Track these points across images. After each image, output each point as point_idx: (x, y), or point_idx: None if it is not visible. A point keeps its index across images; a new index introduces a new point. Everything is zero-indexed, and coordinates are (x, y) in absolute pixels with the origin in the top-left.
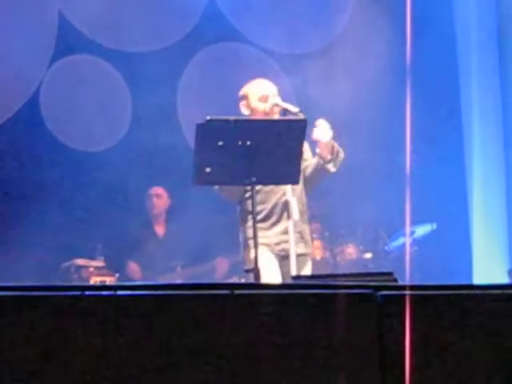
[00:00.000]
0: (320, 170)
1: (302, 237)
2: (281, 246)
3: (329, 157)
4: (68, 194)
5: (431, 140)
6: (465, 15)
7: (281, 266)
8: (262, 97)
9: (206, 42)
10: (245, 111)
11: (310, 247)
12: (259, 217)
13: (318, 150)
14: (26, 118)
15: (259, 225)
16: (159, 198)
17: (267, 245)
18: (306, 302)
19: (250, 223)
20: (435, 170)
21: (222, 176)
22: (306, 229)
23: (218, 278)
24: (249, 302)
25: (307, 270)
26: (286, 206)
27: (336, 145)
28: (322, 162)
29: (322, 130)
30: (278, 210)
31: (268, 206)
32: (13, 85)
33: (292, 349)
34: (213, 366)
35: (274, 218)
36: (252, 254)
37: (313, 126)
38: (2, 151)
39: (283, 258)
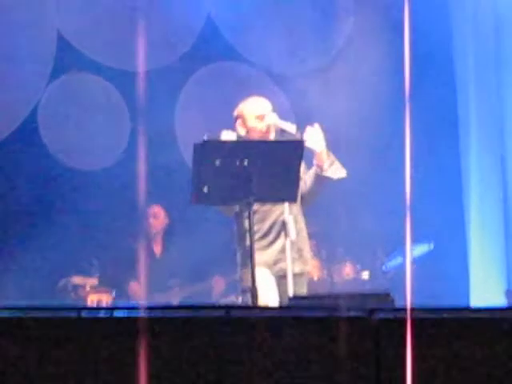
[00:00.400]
0: (319, 179)
1: (300, 255)
2: (278, 265)
3: (326, 164)
4: (65, 211)
5: (428, 159)
6: (463, 32)
7: (278, 286)
8: (258, 116)
9: (203, 61)
10: (241, 131)
11: (308, 265)
12: (256, 236)
13: (314, 161)
14: (23, 137)
15: (256, 244)
16: (156, 218)
17: (264, 264)
18: (302, 325)
19: (247, 242)
20: (432, 189)
21: (219, 195)
22: (305, 246)
23: (215, 297)
24: (244, 325)
25: (305, 290)
26: (283, 224)
27: (330, 153)
28: (319, 170)
29: (315, 139)
30: (275, 229)
31: (265, 225)
32: (11, 103)
33: (287, 372)
34: None
35: (271, 237)
36: (249, 274)
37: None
38: (1, 168)
39: (281, 278)
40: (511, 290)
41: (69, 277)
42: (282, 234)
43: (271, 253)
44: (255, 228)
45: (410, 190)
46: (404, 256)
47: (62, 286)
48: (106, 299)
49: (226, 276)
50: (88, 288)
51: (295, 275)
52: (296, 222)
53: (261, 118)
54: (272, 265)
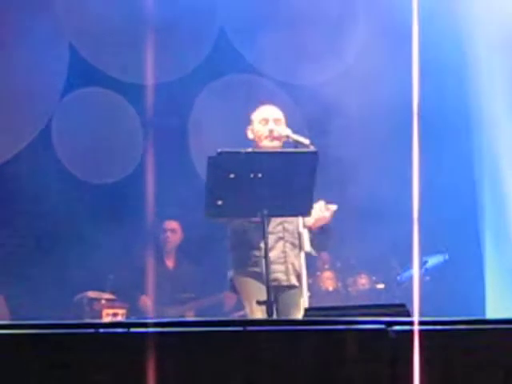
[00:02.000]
0: None
1: (294, 269)
2: (272, 276)
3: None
4: (79, 225)
5: (441, 168)
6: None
7: (274, 297)
8: (261, 120)
9: (216, 74)
10: (250, 135)
11: (301, 281)
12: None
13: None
14: (37, 151)
15: (253, 252)
16: (174, 233)
17: (258, 274)
18: (319, 339)
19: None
20: (447, 199)
21: (233, 209)
22: (298, 262)
23: (226, 311)
24: (261, 339)
25: (302, 300)
26: (280, 235)
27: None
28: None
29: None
30: (272, 240)
31: (262, 234)
32: (24, 117)
33: None
34: None
35: (268, 247)
36: (245, 286)
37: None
38: (14, 184)
39: (276, 289)
40: None
41: (84, 291)
42: (279, 244)
43: (268, 263)
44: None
45: (417, 202)
46: (420, 266)
47: (78, 300)
48: (120, 313)
49: None
50: (103, 302)
51: (291, 287)
52: (294, 236)
53: (264, 121)
54: (268, 274)
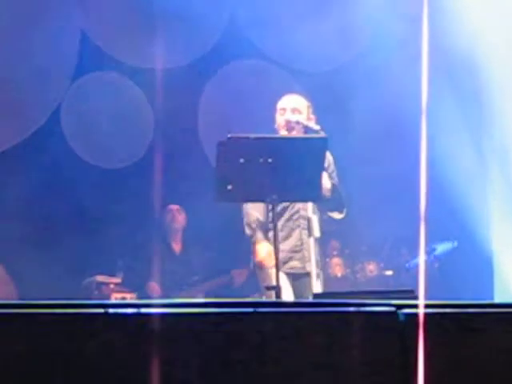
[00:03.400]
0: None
1: (310, 256)
2: (289, 264)
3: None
4: (88, 211)
5: (451, 156)
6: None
7: (292, 284)
8: (280, 109)
9: (227, 60)
10: (274, 124)
11: (317, 267)
12: (270, 234)
13: None
14: (47, 135)
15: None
16: (180, 214)
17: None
18: (328, 321)
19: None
20: (457, 186)
21: (243, 193)
22: (314, 249)
23: (236, 288)
24: (271, 320)
25: (317, 289)
26: (295, 223)
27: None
28: None
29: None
30: (288, 227)
31: (279, 222)
32: (36, 101)
33: (314, 368)
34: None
35: (283, 235)
36: (262, 272)
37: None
38: (25, 167)
39: (292, 277)
40: None
41: (93, 276)
42: (295, 232)
43: (282, 252)
44: (269, 225)
45: (425, 189)
46: (428, 253)
47: (87, 284)
48: (129, 298)
49: (245, 267)
50: (112, 286)
51: (308, 274)
52: (307, 220)
53: (283, 111)
54: (283, 264)
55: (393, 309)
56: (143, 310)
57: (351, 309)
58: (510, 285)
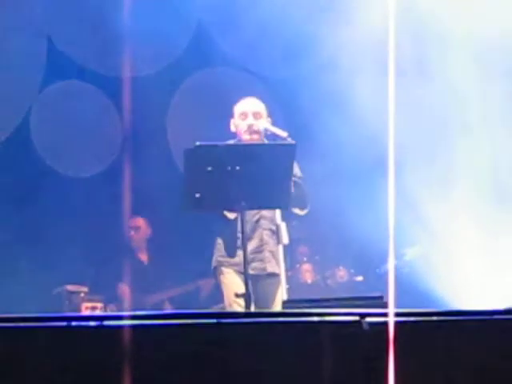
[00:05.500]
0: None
1: (273, 256)
2: (250, 265)
3: None
4: (56, 219)
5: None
6: None
7: (252, 285)
8: (241, 114)
9: (195, 67)
10: (232, 128)
11: (281, 268)
12: (238, 242)
13: None
14: (16, 144)
15: (233, 243)
16: (137, 231)
17: (236, 264)
18: (293, 331)
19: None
20: (430, 191)
21: (211, 201)
22: (278, 249)
23: (202, 299)
24: (235, 332)
25: (281, 291)
26: (257, 224)
27: None
28: None
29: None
30: (249, 229)
31: (240, 224)
32: (2, 111)
33: (278, 377)
34: None
35: (245, 237)
36: (225, 278)
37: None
38: None
39: (253, 277)
40: None
41: (63, 285)
42: (256, 233)
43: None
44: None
45: (393, 194)
46: (398, 258)
47: (57, 293)
48: (99, 306)
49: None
50: (82, 295)
51: (270, 275)
52: (273, 224)
53: (243, 115)
54: (246, 264)
55: (357, 318)
56: (106, 323)
57: (315, 319)
58: (482, 289)
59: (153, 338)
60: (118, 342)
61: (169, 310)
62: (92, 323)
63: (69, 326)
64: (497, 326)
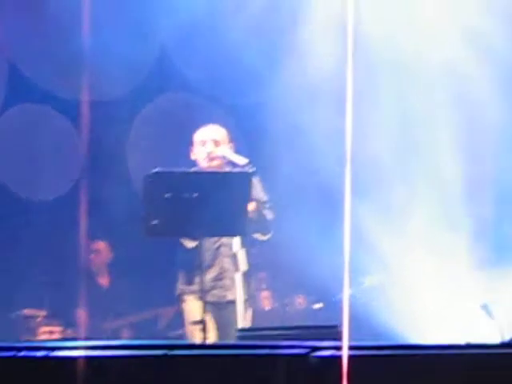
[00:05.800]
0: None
1: (234, 284)
2: (211, 292)
3: None
4: (15, 242)
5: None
6: None
7: (213, 313)
8: (200, 142)
9: (156, 93)
10: (192, 156)
11: (245, 301)
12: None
13: None
14: None
15: (194, 271)
16: (97, 255)
17: (196, 292)
18: (244, 364)
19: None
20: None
21: (169, 228)
22: (240, 282)
23: (162, 326)
24: (185, 364)
25: (235, 316)
26: (218, 252)
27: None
28: None
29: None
30: (209, 256)
31: (200, 252)
32: None
33: None
34: None
35: (205, 264)
36: (186, 305)
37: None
38: None
39: (215, 305)
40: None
41: (21, 309)
42: (217, 261)
43: (206, 280)
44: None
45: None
46: (356, 286)
47: (15, 317)
48: (57, 330)
49: (173, 305)
50: (39, 319)
51: (230, 302)
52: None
53: (202, 143)
54: (205, 293)
55: (307, 351)
56: (53, 354)
57: (266, 351)
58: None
59: (101, 370)
60: (65, 372)
61: (117, 341)
62: (39, 354)
63: (15, 356)
64: (450, 360)
